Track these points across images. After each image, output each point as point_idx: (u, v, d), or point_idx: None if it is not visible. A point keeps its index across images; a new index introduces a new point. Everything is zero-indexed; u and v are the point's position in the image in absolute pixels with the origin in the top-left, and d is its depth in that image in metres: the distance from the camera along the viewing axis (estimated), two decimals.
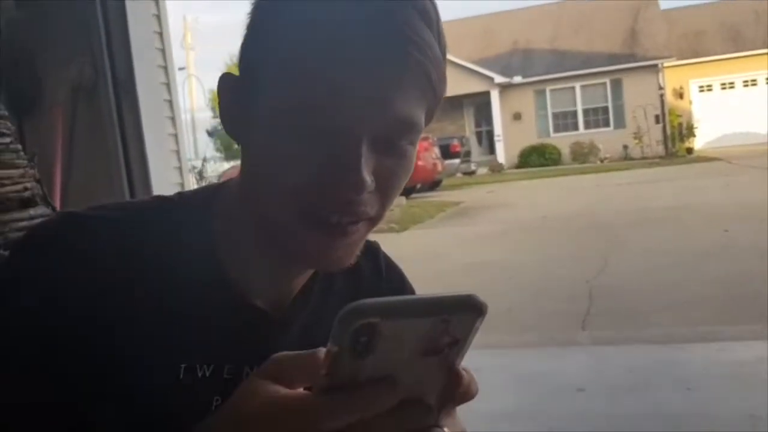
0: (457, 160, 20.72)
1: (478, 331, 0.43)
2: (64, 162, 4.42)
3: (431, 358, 0.43)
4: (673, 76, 25.77)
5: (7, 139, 2.82)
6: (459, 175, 22.02)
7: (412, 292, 0.90)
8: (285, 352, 0.50)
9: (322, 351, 0.46)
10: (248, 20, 0.68)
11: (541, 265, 7.34)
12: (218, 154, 33.51)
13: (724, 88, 26.70)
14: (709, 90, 26.79)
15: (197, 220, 0.72)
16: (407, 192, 15.80)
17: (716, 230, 8.09)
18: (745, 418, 2.94)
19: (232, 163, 28.55)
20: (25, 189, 2.82)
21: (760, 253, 6.17)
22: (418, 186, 16.94)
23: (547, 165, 25.04)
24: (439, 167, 17.35)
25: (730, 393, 3.28)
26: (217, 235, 0.72)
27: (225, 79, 0.70)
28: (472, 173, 23.18)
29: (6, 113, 2.90)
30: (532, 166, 25.08)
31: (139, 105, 4.43)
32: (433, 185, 18.34)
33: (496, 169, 25.14)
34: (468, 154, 22.85)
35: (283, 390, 0.47)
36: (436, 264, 7.80)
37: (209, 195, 0.75)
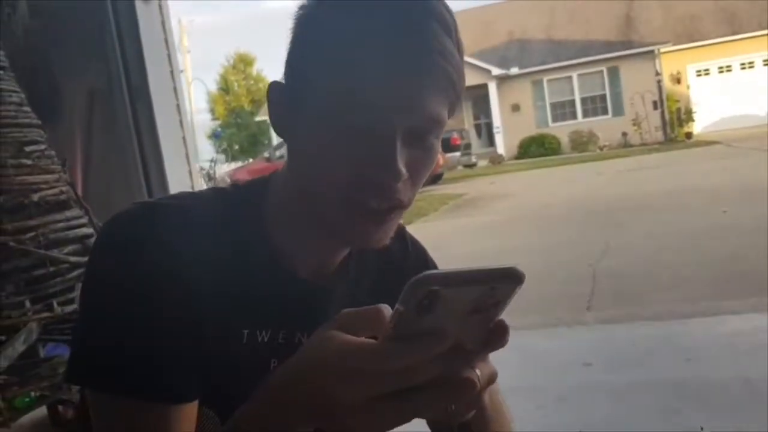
0: (457, 153, 20.86)
1: (516, 294, 0.54)
2: (83, 166, 4.57)
3: (477, 315, 0.53)
4: (670, 61, 25.75)
5: (42, 146, 3.00)
6: (460, 168, 22.10)
7: (434, 266, 1.02)
8: (350, 309, 0.57)
9: (383, 306, 0.56)
10: (291, 34, 0.79)
11: (546, 251, 7.46)
12: (221, 156, 33.66)
13: (721, 72, 26.65)
14: (707, 74, 26.76)
15: (252, 206, 0.83)
16: None
17: (715, 212, 8.21)
18: (741, 382, 3.10)
19: (233, 165, 28.71)
20: (61, 192, 2.99)
21: (758, 232, 6.29)
22: None
23: (547, 155, 25.06)
24: (441, 161, 17.46)
25: (727, 361, 3.44)
26: (270, 219, 0.83)
27: (274, 86, 0.81)
28: (472, 166, 23.27)
29: (38, 121, 3.08)
30: (532, 157, 25.10)
31: (153, 111, 4.57)
32: (435, 179, 18.44)
33: (496, 160, 25.21)
34: (468, 146, 22.97)
35: (353, 337, 0.54)
36: (443, 255, 7.90)
37: (261, 185, 0.87)
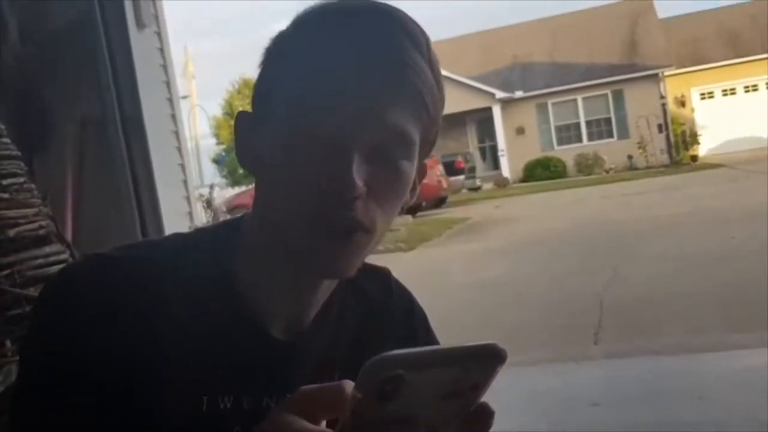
0: (461, 177, 20.77)
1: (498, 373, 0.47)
2: (74, 198, 4.46)
3: (453, 399, 0.46)
4: (674, 84, 25.77)
5: (21, 179, 2.87)
6: (464, 191, 22.02)
7: (422, 314, 0.94)
8: (309, 386, 0.51)
9: (346, 383, 0.48)
10: (261, 59, 0.74)
11: (551, 279, 7.34)
12: (224, 180, 33.64)
13: (725, 95, 26.69)
14: (711, 97, 26.77)
15: (216, 256, 0.76)
16: (413, 210, 15.81)
17: (723, 236, 8.08)
18: (756, 424, 2.95)
19: (236, 189, 28.63)
20: (40, 227, 2.86)
21: (766, 258, 6.16)
22: (424, 204, 16.96)
23: (552, 178, 24.99)
24: (444, 184, 17.39)
25: (741, 400, 3.29)
26: (236, 269, 0.75)
27: (241, 117, 0.76)
28: (477, 189, 23.18)
29: (18, 153, 2.96)
30: (537, 180, 25.03)
31: (147, 139, 4.46)
32: (439, 202, 18.36)
33: (501, 183, 25.13)
34: (472, 170, 22.90)
35: (309, 426, 0.48)
36: (446, 282, 7.81)
37: (228, 230, 0.79)
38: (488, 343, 0.45)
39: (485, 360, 0.45)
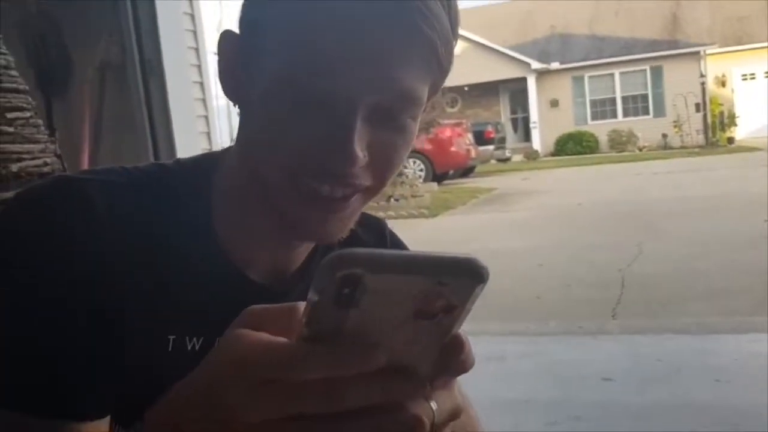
0: (491, 147, 20.51)
1: (478, 298, 0.40)
2: (92, 139, 4.45)
3: (423, 322, 0.40)
4: (715, 63, 25.16)
5: (27, 114, 2.82)
6: (493, 161, 21.81)
7: None
8: (257, 305, 0.46)
9: (300, 304, 0.43)
10: None
11: (574, 252, 7.22)
12: None
13: None
14: (753, 78, 26.09)
15: (194, 189, 0.72)
16: (439, 178, 15.69)
17: (755, 220, 7.86)
18: None
19: None
20: (45, 164, 2.81)
21: None
22: (451, 172, 16.81)
23: (584, 153, 24.71)
24: (473, 153, 17.16)
25: (760, 386, 3.17)
26: (214, 205, 0.72)
27: (226, 38, 0.69)
28: (506, 160, 22.96)
29: (26, 87, 2.90)
30: (568, 154, 24.77)
31: (166, 85, 4.44)
32: (466, 171, 18.17)
33: (531, 156, 24.88)
34: (502, 140, 22.62)
35: (266, 336, 0.43)
36: (465, 250, 7.70)
37: (208, 163, 0.74)
38: (467, 257, 0.39)
39: (462, 276, 0.38)
